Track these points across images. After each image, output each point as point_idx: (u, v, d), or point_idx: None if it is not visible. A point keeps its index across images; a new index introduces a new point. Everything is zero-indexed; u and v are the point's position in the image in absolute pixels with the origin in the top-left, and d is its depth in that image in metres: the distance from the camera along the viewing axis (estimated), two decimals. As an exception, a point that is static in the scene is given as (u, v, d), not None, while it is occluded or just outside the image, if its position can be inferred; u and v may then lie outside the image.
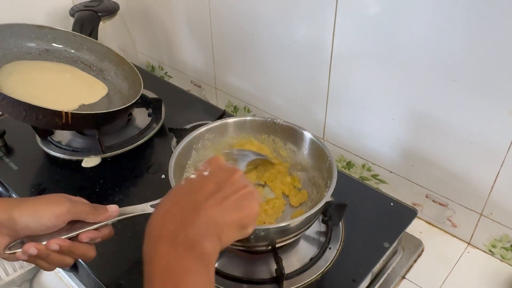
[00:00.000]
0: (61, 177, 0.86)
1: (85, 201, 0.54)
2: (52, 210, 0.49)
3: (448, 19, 0.63)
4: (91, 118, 0.82)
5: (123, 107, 0.85)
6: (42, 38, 0.95)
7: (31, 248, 0.48)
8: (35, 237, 0.49)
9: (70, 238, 0.51)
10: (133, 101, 0.88)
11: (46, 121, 0.79)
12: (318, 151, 0.71)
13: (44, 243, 0.49)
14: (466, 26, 0.62)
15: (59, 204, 0.50)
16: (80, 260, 0.67)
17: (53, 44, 0.97)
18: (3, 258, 0.50)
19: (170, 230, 0.43)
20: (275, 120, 0.75)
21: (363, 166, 0.89)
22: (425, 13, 0.65)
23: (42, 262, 0.50)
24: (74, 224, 0.52)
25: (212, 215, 0.45)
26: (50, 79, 0.94)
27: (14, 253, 0.49)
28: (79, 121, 0.81)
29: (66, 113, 0.76)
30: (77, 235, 0.51)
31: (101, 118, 0.84)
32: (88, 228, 0.52)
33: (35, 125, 0.88)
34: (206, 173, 0.49)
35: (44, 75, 0.94)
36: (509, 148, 0.66)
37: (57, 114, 0.76)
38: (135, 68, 0.97)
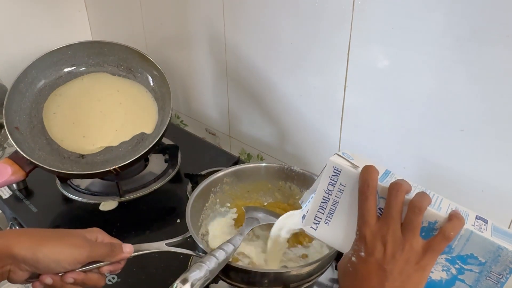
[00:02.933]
0: (78, 220, 0.88)
1: (106, 237, 0.58)
2: (73, 255, 0.53)
3: (454, 71, 0.66)
4: (135, 160, 0.88)
5: (159, 136, 0.90)
6: (63, 57, 0.96)
7: (48, 278, 0.52)
8: None
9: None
10: (167, 122, 0.93)
11: (100, 176, 0.95)
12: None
13: (61, 274, 0.53)
14: (471, 77, 0.65)
15: (80, 250, 0.53)
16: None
17: (76, 59, 0.98)
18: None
19: None
20: (292, 167, 0.77)
21: (376, 214, 0.90)
22: (431, 65, 0.69)
23: None
24: None
25: None
26: (93, 106, 0.96)
27: (32, 281, 0.53)
28: (126, 167, 0.88)
29: (115, 168, 0.86)
30: (92, 269, 0.55)
31: (143, 156, 0.89)
32: (103, 264, 0.55)
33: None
34: None
35: (84, 102, 0.96)
36: (520, 196, 0.67)
37: (108, 171, 0.86)
38: (158, 66, 0.98)
